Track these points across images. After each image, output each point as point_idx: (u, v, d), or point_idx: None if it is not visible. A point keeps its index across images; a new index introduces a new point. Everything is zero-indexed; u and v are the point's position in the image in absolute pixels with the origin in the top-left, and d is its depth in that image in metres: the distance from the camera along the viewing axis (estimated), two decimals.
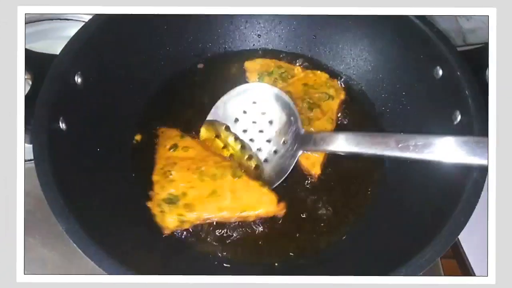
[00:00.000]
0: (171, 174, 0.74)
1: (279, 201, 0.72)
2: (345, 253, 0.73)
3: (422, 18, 0.78)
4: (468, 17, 1.08)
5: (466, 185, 0.62)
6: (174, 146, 0.78)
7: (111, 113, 0.79)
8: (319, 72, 0.92)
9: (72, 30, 0.95)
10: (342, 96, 0.89)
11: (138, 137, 0.83)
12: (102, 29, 0.76)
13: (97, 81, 0.76)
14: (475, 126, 0.67)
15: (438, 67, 0.76)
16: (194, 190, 0.73)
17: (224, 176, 0.73)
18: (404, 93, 0.85)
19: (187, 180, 0.73)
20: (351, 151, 0.71)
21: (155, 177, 0.75)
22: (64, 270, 0.77)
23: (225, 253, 0.73)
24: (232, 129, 0.83)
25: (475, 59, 0.73)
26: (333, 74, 0.93)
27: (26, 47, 0.73)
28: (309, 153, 0.80)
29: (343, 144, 0.72)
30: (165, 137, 0.81)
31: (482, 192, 0.62)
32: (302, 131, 0.79)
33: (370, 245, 0.72)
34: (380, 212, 0.77)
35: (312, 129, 0.82)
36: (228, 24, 0.96)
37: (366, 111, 0.90)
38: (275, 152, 0.80)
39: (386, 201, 0.78)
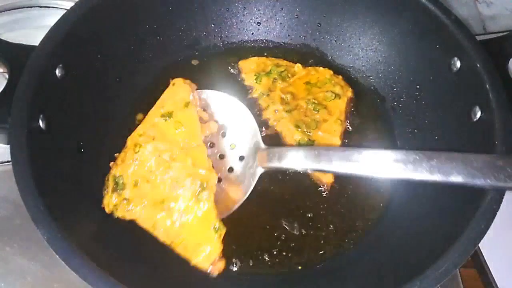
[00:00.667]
0: (139, 151, 0.72)
1: (220, 257, 0.68)
2: (355, 265, 0.73)
3: (438, 3, 0.78)
4: (488, 3, 1.08)
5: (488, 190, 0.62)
6: (168, 115, 0.75)
7: (96, 110, 0.79)
8: (321, 68, 0.91)
9: (52, 18, 0.94)
10: (350, 93, 0.89)
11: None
12: (85, 17, 0.76)
13: (80, 74, 0.75)
14: (496, 124, 0.67)
15: (455, 58, 0.76)
16: (145, 187, 0.71)
17: (185, 191, 0.69)
18: (418, 87, 0.85)
19: (144, 174, 0.71)
20: (323, 169, 0.70)
21: (128, 140, 0.74)
22: (46, 282, 0.77)
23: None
24: None
25: (497, 49, 0.73)
26: (339, 66, 0.93)
27: (2, 38, 0.73)
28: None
29: (312, 161, 0.70)
30: (171, 93, 0.78)
31: (505, 195, 0.62)
32: (262, 145, 0.77)
33: (383, 257, 0.72)
34: (392, 223, 0.77)
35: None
36: (224, 10, 0.96)
37: (376, 107, 0.90)
38: (230, 170, 0.78)
39: (398, 211, 0.78)
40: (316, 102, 0.85)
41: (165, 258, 0.71)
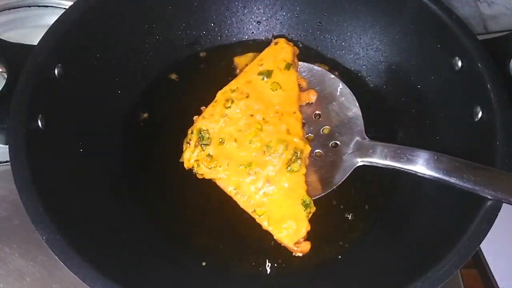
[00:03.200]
0: (230, 107, 0.68)
1: (307, 238, 0.67)
2: (356, 265, 0.73)
3: (439, 3, 0.78)
4: (489, 2, 1.07)
5: None
6: (267, 74, 0.71)
7: (95, 109, 0.79)
8: (318, 64, 0.91)
9: (51, 18, 0.95)
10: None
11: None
12: (84, 16, 0.76)
13: (79, 74, 0.75)
14: (498, 124, 0.67)
15: (456, 58, 0.76)
16: (231, 147, 0.67)
17: (275, 158, 0.65)
18: (419, 87, 0.85)
19: (236, 129, 0.67)
20: (436, 177, 0.64)
21: (219, 94, 0.71)
22: (45, 283, 0.76)
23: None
24: None
25: (498, 49, 0.73)
26: (340, 66, 0.93)
27: (0, 37, 0.73)
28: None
29: (424, 166, 0.65)
30: (272, 52, 0.75)
31: None
32: (366, 139, 0.74)
33: (383, 257, 0.72)
34: (393, 223, 0.77)
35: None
36: (223, 10, 0.95)
37: (376, 107, 0.89)
38: (318, 154, 0.74)
39: (399, 212, 0.78)
40: None
41: (165, 258, 0.72)
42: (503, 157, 0.64)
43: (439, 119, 0.80)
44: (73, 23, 0.74)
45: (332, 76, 0.78)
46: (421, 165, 0.65)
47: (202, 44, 0.95)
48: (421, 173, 0.65)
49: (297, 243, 0.64)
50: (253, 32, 0.98)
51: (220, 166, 0.67)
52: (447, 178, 0.62)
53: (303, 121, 0.74)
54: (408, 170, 0.67)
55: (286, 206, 0.63)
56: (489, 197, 0.60)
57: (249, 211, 0.66)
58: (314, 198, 0.70)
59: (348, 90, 0.77)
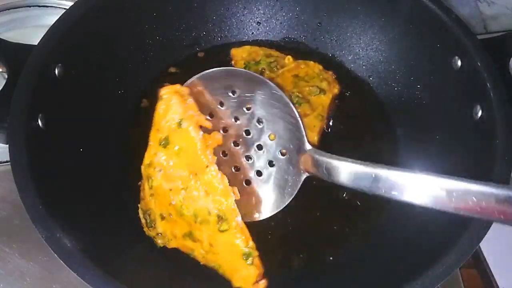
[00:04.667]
0: (151, 185, 0.66)
1: (261, 276, 0.65)
2: (355, 265, 0.73)
3: (439, 3, 0.78)
4: (489, 2, 1.08)
5: None
6: (165, 142, 0.65)
7: (95, 109, 0.79)
8: (312, 62, 0.91)
9: (51, 18, 0.95)
10: (336, 90, 0.88)
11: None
12: (84, 16, 0.76)
13: (79, 74, 0.75)
14: (497, 122, 0.67)
15: (456, 57, 0.76)
16: (171, 220, 0.66)
17: (205, 223, 0.63)
18: (418, 86, 0.85)
19: (165, 208, 0.66)
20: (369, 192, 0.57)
21: (142, 171, 0.68)
22: (45, 283, 0.76)
23: None
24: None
25: (497, 48, 0.73)
26: (340, 66, 0.93)
27: (1, 37, 0.73)
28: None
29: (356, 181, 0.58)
30: (163, 112, 0.66)
31: None
32: (308, 146, 0.64)
33: (382, 256, 0.72)
34: (392, 222, 0.77)
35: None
36: (223, 10, 0.96)
37: (376, 106, 0.90)
38: (270, 163, 0.69)
39: (399, 211, 0.77)
40: (300, 95, 0.85)
41: (165, 258, 0.71)
42: (503, 157, 0.64)
43: (438, 118, 0.80)
44: (74, 23, 0.74)
45: (267, 81, 0.67)
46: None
47: (202, 44, 0.96)
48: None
49: (255, 283, 0.64)
50: (253, 33, 0.98)
51: (171, 239, 0.68)
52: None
53: (247, 128, 0.69)
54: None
55: (230, 261, 0.64)
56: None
57: (210, 266, 0.67)
58: (268, 216, 0.68)
59: (285, 97, 0.66)
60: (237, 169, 0.70)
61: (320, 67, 0.90)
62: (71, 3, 0.77)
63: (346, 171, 0.59)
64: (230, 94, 0.68)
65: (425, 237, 0.68)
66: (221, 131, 0.69)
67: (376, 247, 0.74)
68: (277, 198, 0.68)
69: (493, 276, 0.84)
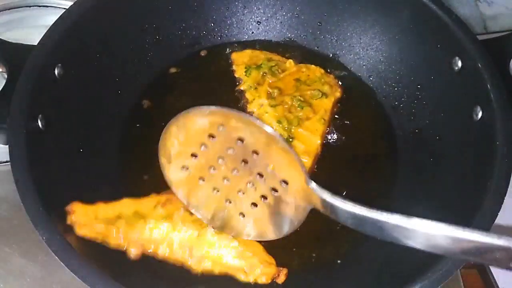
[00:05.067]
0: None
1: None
2: (354, 266, 0.73)
3: (439, 3, 0.78)
4: (489, 2, 1.07)
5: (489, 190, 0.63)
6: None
7: (95, 109, 0.79)
8: (313, 66, 0.91)
9: (51, 17, 0.94)
10: (338, 93, 0.88)
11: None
12: (84, 16, 0.76)
13: (79, 74, 0.75)
14: (498, 123, 0.67)
15: (456, 58, 0.76)
16: None
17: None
18: (419, 87, 0.85)
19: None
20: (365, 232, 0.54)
21: None
22: (45, 283, 0.76)
23: None
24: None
25: (498, 49, 0.73)
26: (340, 66, 0.93)
27: (0, 37, 0.73)
28: None
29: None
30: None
31: (506, 195, 0.62)
32: (308, 182, 0.56)
33: (383, 257, 0.71)
34: None
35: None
36: (223, 10, 0.95)
37: (376, 106, 0.90)
38: (274, 190, 0.60)
39: (399, 211, 0.77)
40: (302, 99, 0.85)
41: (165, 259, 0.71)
42: (503, 157, 0.64)
43: (438, 119, 0.80)
44: (73, 23, 0.74)
45: (258, 122, 0.56)
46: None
47: (202, 44, 0.95)
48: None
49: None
50: (253, 32, 0.98)
51: None
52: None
53: (244, 158, 0.59)
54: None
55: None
56: None
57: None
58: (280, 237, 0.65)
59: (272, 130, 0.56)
60: (242, 192, 0.62)
61: (322, 70, 0.90)
62: (70, 3, 0.77)
63: (350, 215, 0.55)
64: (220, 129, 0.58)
65: None
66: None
67: (376, 248, 0.74)
68: (286, 222, 0.63)
69: (493, 276, 0.84)
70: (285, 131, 0.82)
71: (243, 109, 0.86)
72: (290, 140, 0.81)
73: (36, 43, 0.71)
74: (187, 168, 0.63)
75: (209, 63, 0.94)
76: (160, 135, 0.78)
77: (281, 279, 0.69)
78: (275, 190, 0.60)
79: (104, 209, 0.68)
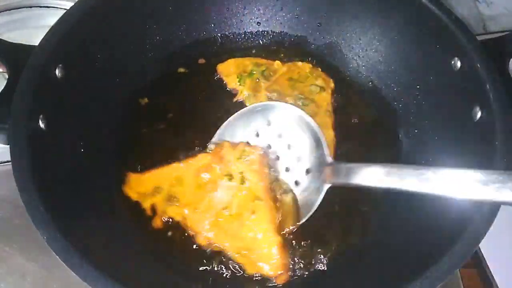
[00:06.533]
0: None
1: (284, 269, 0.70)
2: (355, 265, 0.73)
3: (438, 3, 0.78)
4: (488, 3, 1.07)
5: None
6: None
7: (96, 110, 0.79)
8: (300, 63, 0.92)
9: (52, 18, 0.95)
10: (332, 84, 0.90)
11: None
12: (85, 17, 0.76)
13: (79, 75, 0.75)
14: (497, 123, 0.67)
15: (456, 58, 0.76)
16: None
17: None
18: (418, 87, 0.85)
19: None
20: (394, 187, 0.64)
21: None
22: (45, 282, 0.76)
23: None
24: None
25: (497, 49, 0.73)
26: (340, 66, 0.94)
27: (1, 37, 0.73)
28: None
29: (383, 178, 0.65)
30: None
31: None
32: (329, 159, 0.75)
33: (383, 257, 0.72)
34: (392, 223, 0.77)
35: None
36: (224, 10, 0.96)
37: (375, 108, 0.90)
38: (296, 183, 0.78)
39: (399, 211, 0.77)
40: (303, 97, 0.86)
41: (165, 259, 0.72)
42: (502, 157, 0.64)
43: (438, 119, 0.80)
44: (74, 24, 0.74)
45: (288, 104, 0.80)
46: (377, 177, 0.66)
47: (202, 44, 0.96)
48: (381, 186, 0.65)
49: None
50: (253, 33, 0.98)
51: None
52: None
53: (278, 155, 0.79)
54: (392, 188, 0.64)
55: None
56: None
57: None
58: (294, 228, 0.74)
59: (307, 116, 0.78)
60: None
61: (310, 65, 0.92)
62: (71, 4, 0.77)
63: (364, 170, 0.67)
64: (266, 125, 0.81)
65: (425, 238, 0.68)
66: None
67: (376, 248, 0.74)
68: (306, 208, 0.75)
69: (492, 276, 0.84)
70: None
71: None
72: None
73: (37, 44, 0.71)
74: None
75: (209, 63, 0.94)
76: (159, 135, 0.78)
77: (281, 279, 0.70)
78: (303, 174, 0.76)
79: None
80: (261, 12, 0.97)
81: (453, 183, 0.59)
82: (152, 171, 0.78)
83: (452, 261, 0.57)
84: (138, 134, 0.83)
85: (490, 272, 0.85)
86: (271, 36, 0.98)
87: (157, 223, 0.75)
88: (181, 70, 0.92)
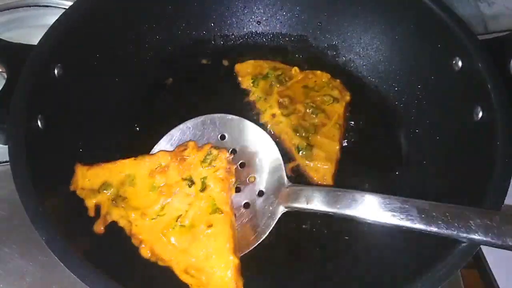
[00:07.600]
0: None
1: None
2: (355, 266, 0.73)
3: (439, 3, 0.78)
4: (489, 2, 1.07)
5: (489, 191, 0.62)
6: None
7: (94, 110, 0.79)
8: (319, 72, 0.91)
9: (51, 17, 0.94)
10: (348, 97, 0.88)
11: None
12: (84, 16, 0.76)
13: (78, 74, 0.75)
14: (498, 124, 0.66)
15: (457, 58, 0.76)
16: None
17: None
18: (419, 87, 0.85)
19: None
20: (333, 212, 0.62)
21: None
22: (45, 283, 0.76)
23: None
24: None
25: (498, 49, 0.73)
26: (340, 66, 0.93)
27: (0, 37, 0.73)
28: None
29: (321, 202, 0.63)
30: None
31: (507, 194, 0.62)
32: (286, 183, 0.70)
33: (383, 258, 0.72)
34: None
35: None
36: (224, 9, 0.95)
37: (376, 107, 0.89)
38: (246, 205, 0.71)
39: None
40: (314, 106, 0.85)
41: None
42: (503, 157, 0.64)
43: (439, 119, 0.80)
44: (73, 23, 0.74)
45: (248, 122, 0.75)
46: (361, 210, 0.62)
47: (202, 44, 0.95)
48: (362, 218, 0.62)
49: None
50: (253, 32, 0.98)
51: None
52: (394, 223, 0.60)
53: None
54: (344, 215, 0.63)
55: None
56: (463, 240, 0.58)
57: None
58: (247, 251, 0.67)
59: (266, 135, 0.74)
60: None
61: (328, 75, 0.90)
62: (70, 3, 0.77)
63: (321, 196, 0.65)
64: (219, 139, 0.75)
65: (426, 239, 0.68)
66: None
67: (377, 248, 0.74)
68: (257, 233, 0.69)
69: (493, 276, 0.84)
70: (303, 139, 0.81)
71: (255, 120, 0.84)
72: (310, 148, 0.81)
73: (36, 43, 0.71)
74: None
75: (210, 64, 0.94)
76: (159, 136, 0.78)
77: None
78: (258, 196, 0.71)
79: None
80: (261, 11, 0.97)
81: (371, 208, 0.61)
82: (102, 164, 0.70)
83: (453, 261, 0.57)
84: (138, 134, 0.83)
85: (491, 272, 0.84)
86: (271, 35, 0.98)
87: (99, 227, 0.67)
88: (181, 70, 0.92)
